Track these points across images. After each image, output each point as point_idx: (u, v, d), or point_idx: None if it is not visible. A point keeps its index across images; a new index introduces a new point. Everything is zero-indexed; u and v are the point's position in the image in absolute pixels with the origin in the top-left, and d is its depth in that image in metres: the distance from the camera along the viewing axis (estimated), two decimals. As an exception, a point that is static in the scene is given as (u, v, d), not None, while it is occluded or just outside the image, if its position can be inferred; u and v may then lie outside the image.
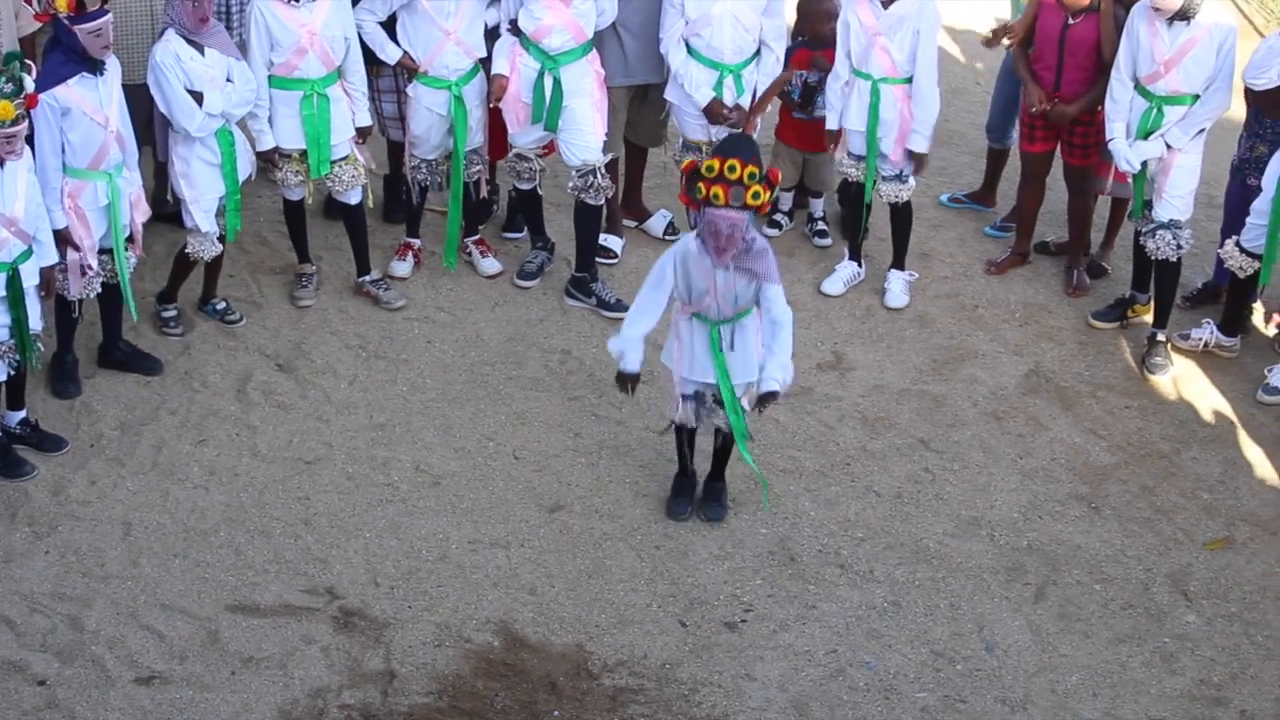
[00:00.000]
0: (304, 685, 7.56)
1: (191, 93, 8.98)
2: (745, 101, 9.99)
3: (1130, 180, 9.76)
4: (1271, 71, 9.30)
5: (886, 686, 7.70)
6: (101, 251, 8.90)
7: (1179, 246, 9.62)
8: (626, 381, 8.21)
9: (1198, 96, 9.40)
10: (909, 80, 9.79)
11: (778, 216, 10.97)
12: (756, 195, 7.59)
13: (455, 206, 10.11)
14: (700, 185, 7.59)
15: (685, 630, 7.97)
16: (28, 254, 8.31)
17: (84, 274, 8.80)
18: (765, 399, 8.00)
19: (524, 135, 9.93)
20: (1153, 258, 9.70)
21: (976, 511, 8.73)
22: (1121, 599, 8.25)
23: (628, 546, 8.43)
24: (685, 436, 8.51)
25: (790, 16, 10.47)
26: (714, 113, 9.95)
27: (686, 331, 8.12)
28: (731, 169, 7.52)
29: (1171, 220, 9.60)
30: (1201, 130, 9.50)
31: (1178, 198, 9.58)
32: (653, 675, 7.70)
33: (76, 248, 8.71)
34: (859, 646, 7.88)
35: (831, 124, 10.07)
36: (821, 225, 10.94)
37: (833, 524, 8.57)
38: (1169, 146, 9.48)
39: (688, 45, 9.85)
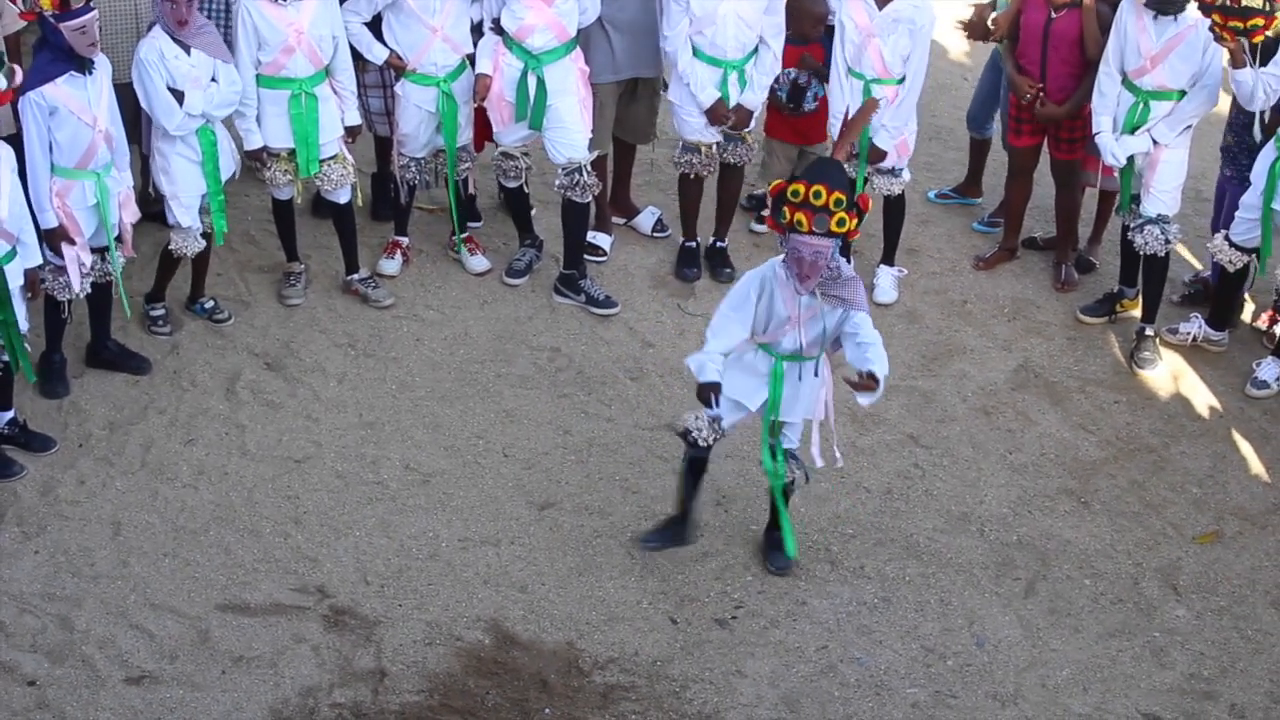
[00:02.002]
0: (295, 684, 7.55)
1: (174, 91, 8.97)
2: (748, 99, 10.00)
3: (1117, 174, 9.78)
4: None
5: (877, 682, 7.71)
6: (91, 251, 8.88)
7: (1166, 241, 9.63)
8: (707, 392, 7.67)
9: (1184, 93, 9.41)
10: (901, 80, 9.80)
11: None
12: (842, 222, 7.30)
13: (455, 203, 10.12)
14: (785, 210, 7.33)
15: (676, 627, 7.97)
16: (11, 255, 8.30)
17: (81, 270, 8.78)
18: (866, 381, 7.41)
19: (509, 134, 9.93)
20: (1140, 253, 9.71)
21: (966, 507, 8.74)
22: (1111, 593, 8.26)
23: (618, 544, 8.43)
24: (695, 473, 8.13)
25: None
26: (717, 115, 9.95)
27: (751, 359, 7.82)
28: (817, 195, 7.25)
29: (1159, 215, 9.62)
30: (1188, 127, 9.51)
31: (1164, 193, 9.60)
32: (644, 672, 7.70)
33: (72, 243, 8.70)
34: (850, 643, 7.89)
35: (834, 132, 10.06)
36: None
37: (822, 520, 8.58)
38: (1155, 142, 9.49)
39: (691, 44, 9.85)
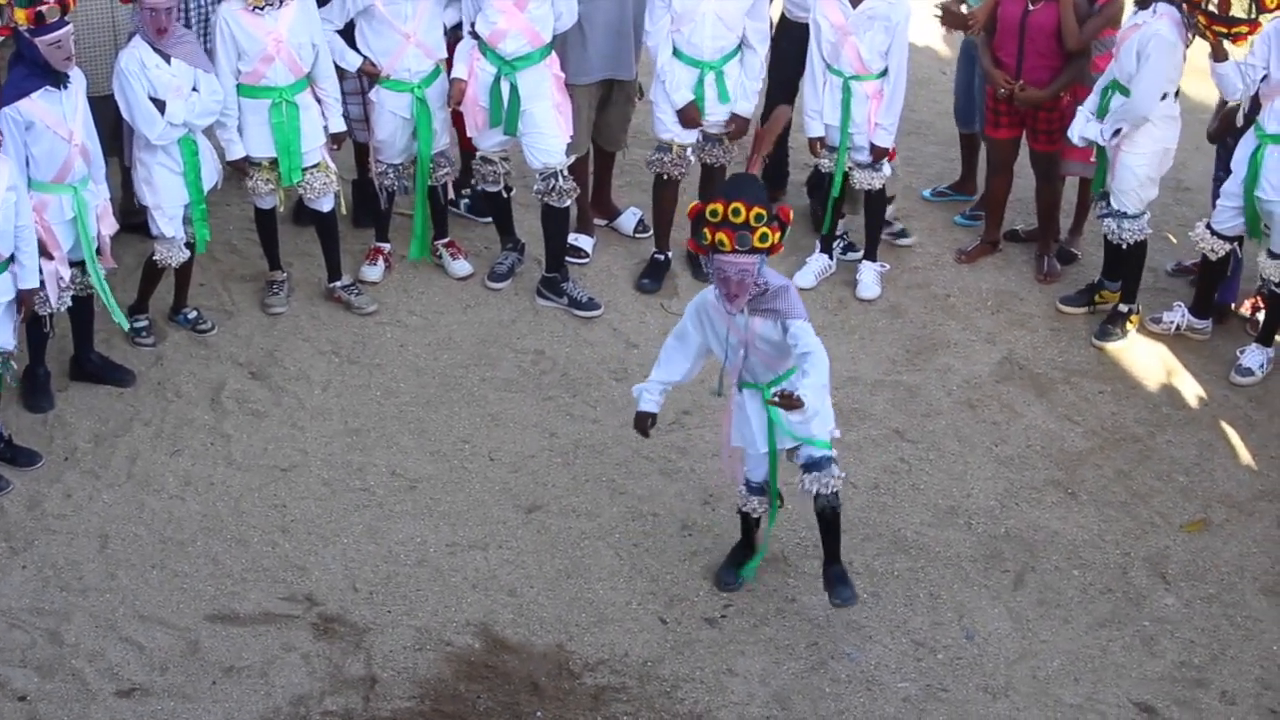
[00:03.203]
0: (285, 693, 7.55)
1: (155, 101, 8.97)
2: (741, 108, 10.03)
3: (1094, 159, 9.82)
4: None
5: (868, 678, 7.71)
6: (71, 264, 8.87)
7: (1129, 233, 9.65)
8: (643, 420, 7.81)
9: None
10: (880, 76, 9.81)
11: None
12: (765, 237, 7.17)
13: (421, 207, 10.12)
14: (705, 231, 7.20)
15: (665, 627, 7.97)
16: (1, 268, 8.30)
17: (60, 285, 8.77)
18: (785, 397, 7.24)
19: (485, 138, 9.93)
20: (1113, 241, 9.75)
21: (953, 500, 8.75)
22: (1100, 583, 8.27)
23: (606, 545, 8.43)
24: (754, 522, 8.12)
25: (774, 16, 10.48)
26: (688, 118, 9.95)
27: (743, 405, 7.72)
28: (736, 212, 7.11)
29: (1119, 211, 9.65)
30: (1119, 130, 9.49)
31: (1123, 193, 9.63)
32: (634, 673, 7.70)
33: (50, 257, 8.68)
34: (839, 638, 7.89)
35: (812, 131, 10.06)
36: (899, 226, 10.92)
37: (809, 515, 8.53)
38: (1102, 136, 9.54)
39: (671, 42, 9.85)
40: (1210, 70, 9.30)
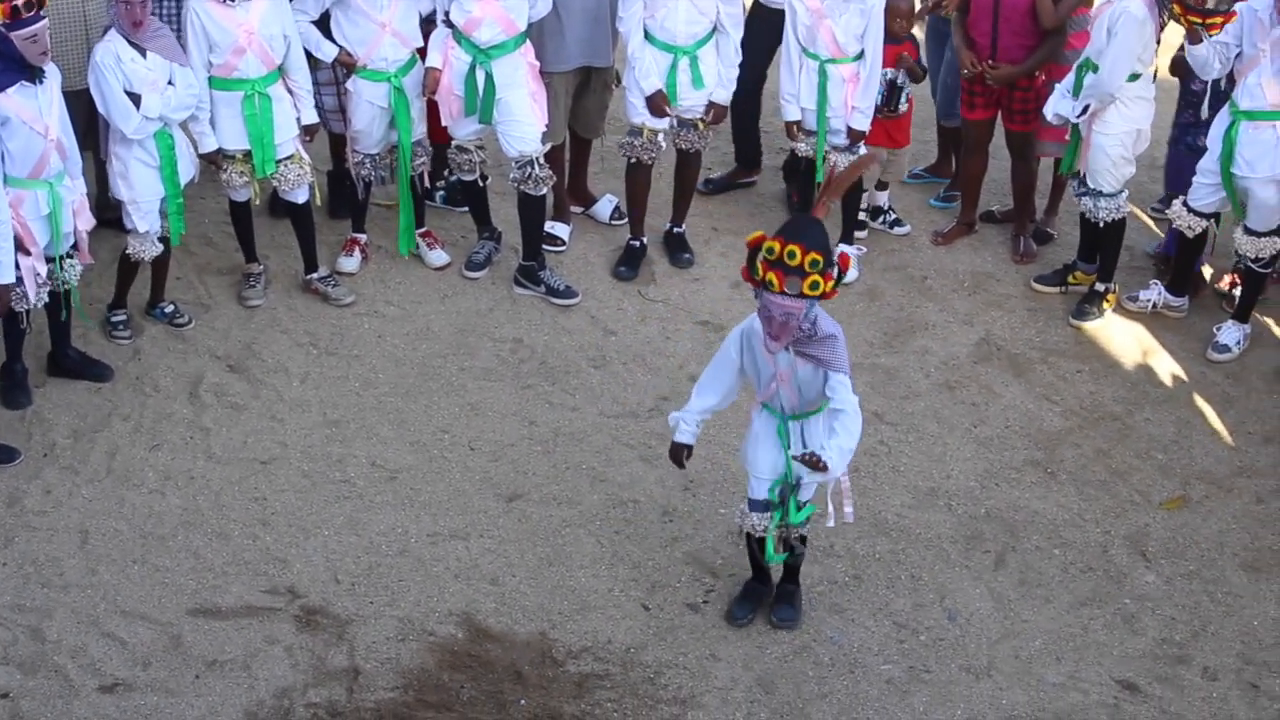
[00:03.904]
0: (269, 686, 7.54)
1: (130, 95, 8.94)
2: (719, 96, 10.03)
3: (1067, 138, 9.84)
4: None
5: (851, 660, 7.73)
6: (47, 260, 8.84)
7: (1106, 211, 9.67)
8: (679, 452, 7.61)
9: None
10: (855, 59, 9.81)
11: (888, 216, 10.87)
12: (815, 285, 6.86)
13: (405, 197, 10.11)
14: (759, 265, 6.92)
15: (648, 613, 7.98)
16: None
17: (38, 281, 8.74)
18: (810, 460, 7.11)
19: (460, 127, 9.92)
20: (1090, 219, 9.77)
21: (933, 482, 8.76)
22: (1081, 562, 8.29)
23: (587, 533, 8.44)
24: (758, 544, 7.79)
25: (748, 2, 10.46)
26: (655, 105, 9.94)
27: (757, 424, 7.53)
28: (791, 254, 6.81)
29: (1095, 189, 9.67)
30: (1087, 107, 9.51)
31: (1096, 172, 9.65)
32: (617, 660, 7.71)
33: (28, 253, 8.65)
34: (822, 621, 7.90)
35: (789, 115, 10.06)
36: (894, 215, 10.87)
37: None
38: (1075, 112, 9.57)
39: (643, 27, 9.83)
40: (1186, 52, 9.31)
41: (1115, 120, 9.52)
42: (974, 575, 8.21)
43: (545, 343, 9.75)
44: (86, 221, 9.04)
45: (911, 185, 11.32)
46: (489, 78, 9.62)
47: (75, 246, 8.96)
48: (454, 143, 10.01)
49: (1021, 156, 10.43)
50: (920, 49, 10.36)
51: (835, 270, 6.96)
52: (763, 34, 10.38)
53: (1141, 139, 9.68)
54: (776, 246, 6.85)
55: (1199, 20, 9.04)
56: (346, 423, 9.14)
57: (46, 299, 8.92)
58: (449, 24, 9.64)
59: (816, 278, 6.87)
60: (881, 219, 10.79)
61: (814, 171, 10.09)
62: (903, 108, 10.32)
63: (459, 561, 8.24)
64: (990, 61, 10.05)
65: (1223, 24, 9.04)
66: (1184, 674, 7.68)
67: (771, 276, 6.89)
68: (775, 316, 6.98)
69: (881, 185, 10.78)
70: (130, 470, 8.77)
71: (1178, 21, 9.19)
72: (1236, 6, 9.13)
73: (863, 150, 10.04)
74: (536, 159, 9.80)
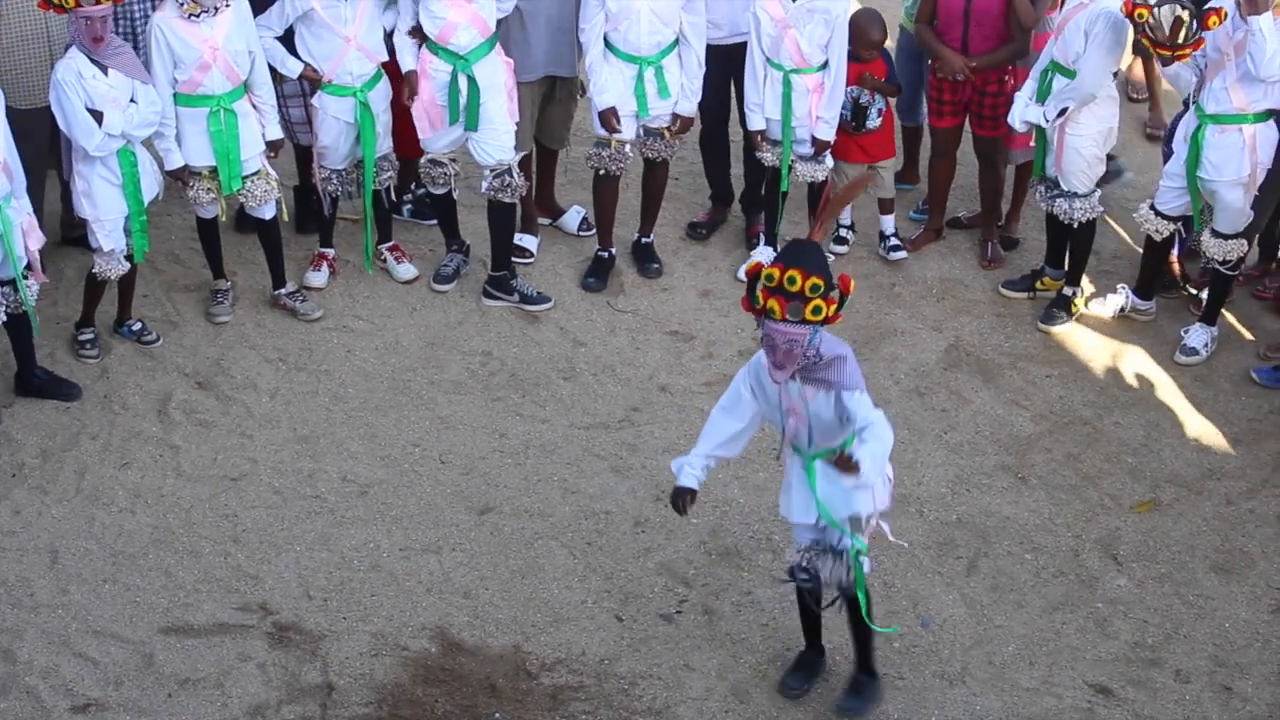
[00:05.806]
0: (242, 703, 7.52)
1: (92, 112, 8.90)
2: (683, 108, 10.05)
3: (1033, 144, 9.86)
4: None
5: (825, 668, 7.72)
6: (4, 283, 8.80)
7: (1081, 211, 9.70)
8: (681, 496, 7.23)
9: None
10: (820, 69, 9.82)
11: (843, 233, 10.72)
12: (818, 310, 6.68)
13: (369, 215, 10.09)
14: (759, 294, 6.74)
15: (622, 625, 7.98)
16: None
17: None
18: (842, 460, 6.84)
19: (437, 140, 9.90)
20: (1064, 220, 9.79)
21: (904, 489, 8.76)
22: (1053, 567, 8.31)
23: (559, 544, 8.43)
24: (810, 596, 7.51)
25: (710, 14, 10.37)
26: (605, 121, 9.95)
27: (790, 471, 7.31)
28: (791, 280, 6.62)
29: (1070, 190, 9.70)
30: (1064, 110, 9.52)
31: (1071, 174, 9.66)
32: (592, 671, 7.71)
33: None
34: (795, 631, 7.89)
35: (753, 124, 10.05)
36: (895, 241, 10.65)
37: (762, 510, 8.58)
38: (1045, 118, 9.56)
39: (606, 40, 9.82)
40: (1159, 71, 9.38)
41: (1088, 120, 9.54)
42: (946, 581, 8.22)
43: (515, 355, 9.74)
44: (37, 240, 8.97)
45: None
46: (472, 82, 9.61)
47: (29, 266, 8.91)
48: (427, 156, 9.99)
49: (990, 162, 10.44)
50: (891, 64, 10.34)
51: (837, 294, 6.77)
52: (718, 73, 10.28)
53: (1111, 136, 9.71)
54: (776, 273, 6.68)
55: (1168, 54, 9.06)
56: (317, 438, 9.12)
57: (4, 318, 8.86)
58: (416, 35, 9.63)
59: (819, 302, 6.69)
60: (883, 244, 10.68)
61: (779, 182, 10.10)
62: (872, 124, 10.28)
63: (431, 575, 8.23)
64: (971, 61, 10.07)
65: (1191, 53, 9.03)
66: (1157, 677, 7.71)
67: (773, 304, 6.72)
68: (779, 345, 6.80)
69: (886, 209, 10.65)
70: (100, 489, 8.74)
71: (1144, 50, 9.24)
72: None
73: (829, 161, 10.06)
74: (512, 167, 9.79)
